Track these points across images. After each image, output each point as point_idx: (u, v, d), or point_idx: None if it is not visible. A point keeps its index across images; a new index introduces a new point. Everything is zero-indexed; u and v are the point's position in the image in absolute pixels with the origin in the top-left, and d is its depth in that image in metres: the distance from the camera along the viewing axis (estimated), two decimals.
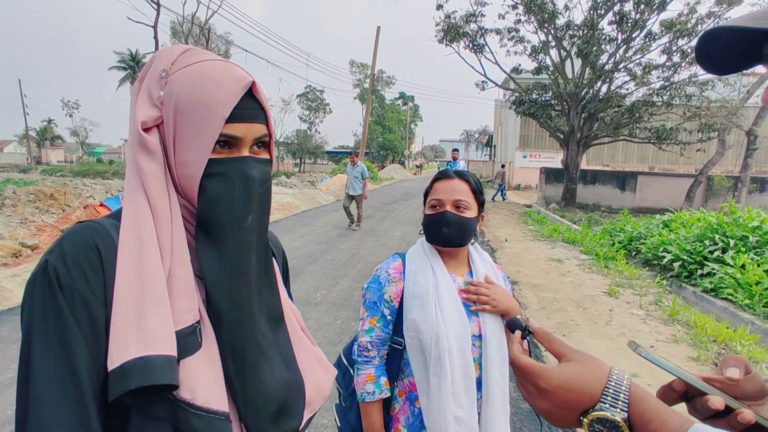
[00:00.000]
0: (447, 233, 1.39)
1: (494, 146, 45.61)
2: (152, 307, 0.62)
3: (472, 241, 1.48)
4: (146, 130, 0.68)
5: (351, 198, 10.54)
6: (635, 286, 6.37)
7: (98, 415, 0.60)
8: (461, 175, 1.45)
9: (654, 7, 13.91)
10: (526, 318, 0.79)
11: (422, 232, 1.49)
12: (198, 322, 0.68)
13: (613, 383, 0.58)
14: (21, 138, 64.81)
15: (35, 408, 0.57)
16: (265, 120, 0.73)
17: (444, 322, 1.30)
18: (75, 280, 0.61)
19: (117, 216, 0.69)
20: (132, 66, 50.68)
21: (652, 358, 0.63)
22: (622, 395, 0.57)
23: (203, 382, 0.65)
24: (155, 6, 21.58)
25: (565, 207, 16.19)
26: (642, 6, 13.91)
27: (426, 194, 1.49)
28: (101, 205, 9.62)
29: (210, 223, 0.70)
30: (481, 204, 1.46)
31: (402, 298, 1.40)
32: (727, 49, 0.59)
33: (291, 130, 52.48)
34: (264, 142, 0.75)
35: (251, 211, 0.72)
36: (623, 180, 17.92)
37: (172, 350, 0.61)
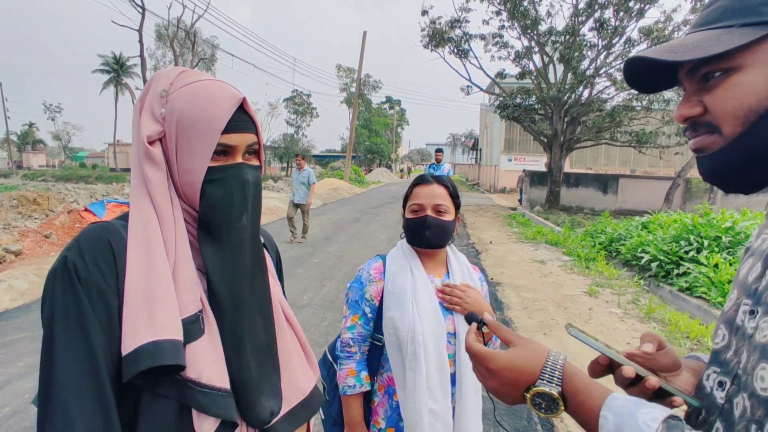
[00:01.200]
0: (429, 236, 1.47)
1: (480, 150, 46.04)
2: (160, 299, 0.70)
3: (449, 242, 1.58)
4: (151, 143, 0.76)
5: (296, 207, 9.43)
6: (614, 286, 6.55)
7: (114, 396, 0.68)
8: (439, 180, 1.53)
9: (633, 15, 14.28)
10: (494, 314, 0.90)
11: (403, 235, 1.58)
12: (200, 311, 0.76)
13: (549, 363, 0.68)
14: (2, 142, 63.53)
15: (58, 390, 0.65)
16: (254, 130, 0.82)
17: (420, 320, 1.39)
18: (91, 273, 0.69)
19: (125, 218, 0.78)
20: (116, 69, 50.08)
21: (580, 337, 0.74)
22: (557, 372, 0.67)
23: (207, 364, 0.74)
24: (140, 10, 21.46)
25: (549, 209, 16.44)
26: (621, 13, 14.27)
27: (405, 199, 1.57)
28: (86, 210, 9.52)
29: (211, 222, 0.79)
30: (457, 207, 1.55)
31: (382, 297, 1.48)
32: (650, 73, 0.71)
33: (278, 134, 52.35)
34: (254, 150, 0.84)
35: (247, 211, 0.82)
36: (605, 183, 18.26)
37: (178, 335, 0.70)
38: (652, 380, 0.70)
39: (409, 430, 1.37)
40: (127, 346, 0.67)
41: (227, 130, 0.77)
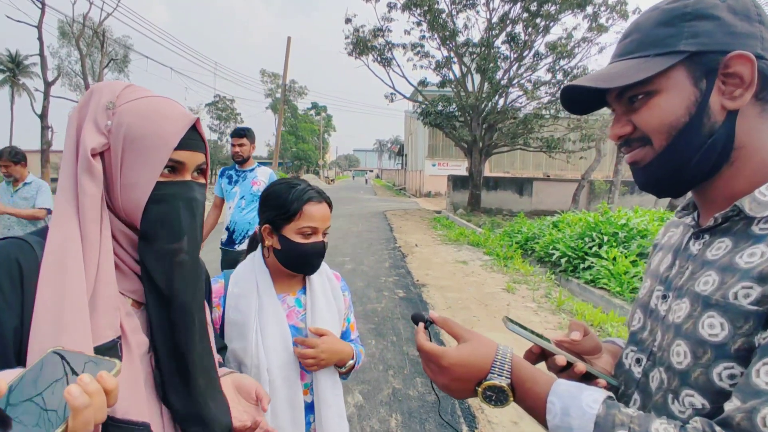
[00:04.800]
0: (319, 263, 1.32)
1: (406, 155, 47.15)
2: (69, 326, 0.65)
3: None
4: (92, 155, 0.73)
5: None
6: (529, 282, 7.07)
7: None
8: (327, 199, 1.34)
9: (539, 31, 15.53)
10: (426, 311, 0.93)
11: (258, 248, 1.39)
12: (119, 338, 0.72)
13: (499, 357, 0.73)
14: None
15: None
16: (204, 150, 0.83)
17: (266, 353, 1.24)
18: None
19: (42, 234, 0.73)
20: (11, 68, 45.34)
21: (516, 330, 0.81)
22: (506, 366, 0.71)
23: (122, 395, 0.67)
24: (39, 4, 19.68)
25: (471, 212, 17.26)
26: (530, 29, 15.47)
27: (287, 215, 1.28)
28: None
29: (155, 240, 0.76)
30: None
31: (222, 325, 1.29)
32: (582, 99, 0.79)
33: None
34: (202, 169, 0.85)
35: (195, 229, 0.82)
36: (521, 185, 19.53)
37: None
38: (580, 366, 0.80)
39: None
40: None
41: (179, 146, 0.77)
